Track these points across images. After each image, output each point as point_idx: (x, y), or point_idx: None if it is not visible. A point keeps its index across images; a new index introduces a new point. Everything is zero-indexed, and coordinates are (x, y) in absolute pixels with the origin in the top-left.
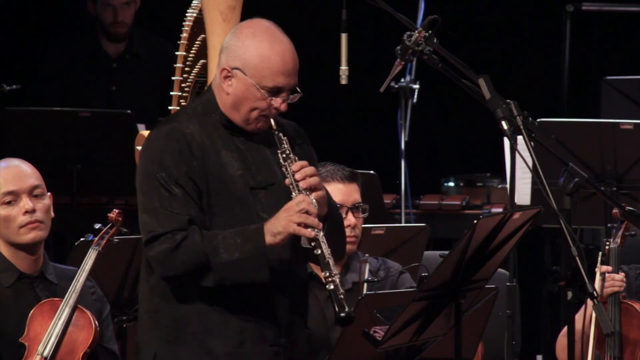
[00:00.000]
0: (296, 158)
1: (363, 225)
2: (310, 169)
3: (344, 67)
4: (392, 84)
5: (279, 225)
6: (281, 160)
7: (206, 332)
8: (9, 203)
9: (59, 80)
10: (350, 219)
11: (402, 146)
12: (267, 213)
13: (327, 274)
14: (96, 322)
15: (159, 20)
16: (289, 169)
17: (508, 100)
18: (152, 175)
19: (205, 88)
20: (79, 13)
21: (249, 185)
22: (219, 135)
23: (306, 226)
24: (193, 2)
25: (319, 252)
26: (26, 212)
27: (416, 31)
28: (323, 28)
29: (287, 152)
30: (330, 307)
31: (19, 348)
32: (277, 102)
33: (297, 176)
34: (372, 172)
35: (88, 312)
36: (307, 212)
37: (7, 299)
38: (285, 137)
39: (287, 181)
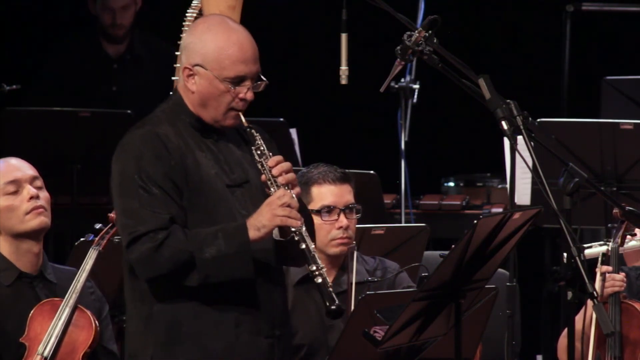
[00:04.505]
0: (270, 154)
1: (363, 225)
2: (287, 165)
3: (344, 67)
4: (392, 84)
5: (263, 219)
6: (256, 157)
7: (202, 330)
8: (11, 193)
9: (60, 81)
10: (342, 221)
11: (402, 146)
12: (246, 210)
13: (314, 267)
14: (96, 322)
15: (159, 20)
16: (265, 165)
17: (508, 100)
18: (130, 177)
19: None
20: (79, 14)
21: (225, 184)
22: (190, 136)
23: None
24: (193, 2)
25: (304, 246)
26: (31, 197)
27: (416, 31)
28: (323, 28)
29: (262, 148)
30: None
31: (18, 348)
32: (242, 91)
33: (274, 172)
34: (372, 172)
35: (88, 312)
36: (289, 206)
37: (6, 298)
38: (257, 134)
39: (264, 177)
